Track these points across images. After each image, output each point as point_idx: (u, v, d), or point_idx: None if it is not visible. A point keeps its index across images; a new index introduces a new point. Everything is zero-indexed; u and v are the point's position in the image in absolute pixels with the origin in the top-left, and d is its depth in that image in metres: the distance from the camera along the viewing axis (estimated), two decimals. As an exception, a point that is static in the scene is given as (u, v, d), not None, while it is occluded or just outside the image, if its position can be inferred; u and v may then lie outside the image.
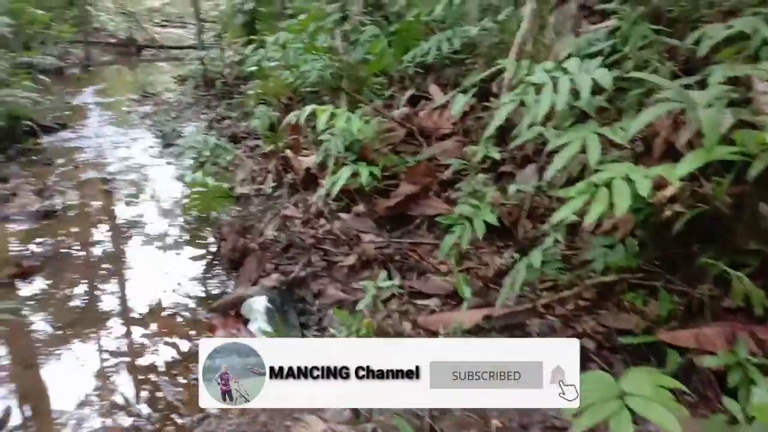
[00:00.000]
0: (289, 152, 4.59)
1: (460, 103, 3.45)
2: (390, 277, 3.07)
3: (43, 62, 9.92)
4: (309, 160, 4.30)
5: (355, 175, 3.43)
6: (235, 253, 3.50)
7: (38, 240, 4.07)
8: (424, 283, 3.05)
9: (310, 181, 4.25)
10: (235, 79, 7.89)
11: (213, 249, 3.93)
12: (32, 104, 6.04)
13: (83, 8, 14.68)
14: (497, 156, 3.18)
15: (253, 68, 5.31)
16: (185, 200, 4.42)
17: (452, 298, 2.94)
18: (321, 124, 3.31)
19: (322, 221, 3.62)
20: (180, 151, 4.79)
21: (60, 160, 5.91)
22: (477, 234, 2.74)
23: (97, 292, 3.46)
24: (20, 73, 7.77)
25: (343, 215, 3.70)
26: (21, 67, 8.41)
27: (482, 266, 3.08)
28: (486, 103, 3.75)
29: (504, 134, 3.46)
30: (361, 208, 3.66)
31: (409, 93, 4.92)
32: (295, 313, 3.05)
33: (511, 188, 3.02)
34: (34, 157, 5.86)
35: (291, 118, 3.57)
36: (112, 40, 14.77)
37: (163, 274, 3.63)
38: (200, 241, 4.11)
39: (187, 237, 4.19)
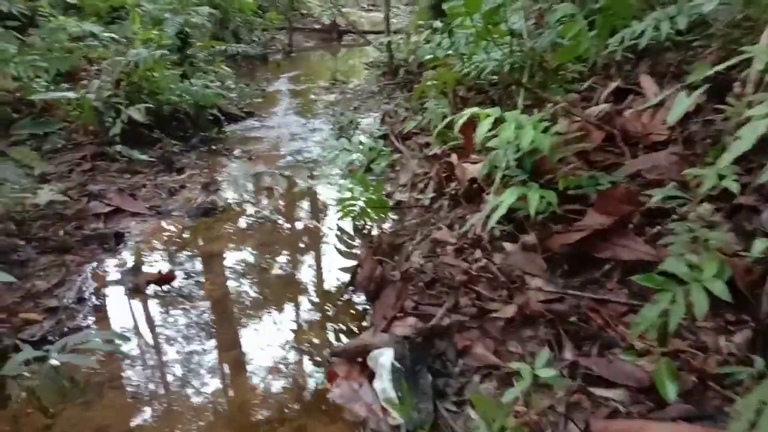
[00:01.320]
0: (454, 156, 3.89)
1: (684, 103, 2.47)
2: (557, 352, 2.25)
3: (250, 50, 10.43)
4: (474, 169, 3.55)
5: (523, 198, 2.63)
6: (371, 283, 2.93)
7: (189, 240, 3.93)
8: (607, 365, 2.17)
9: (474, 195, 3.51)
10: (418, 67, 7.34)
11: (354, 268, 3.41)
12: (219, 92, 6.11)
13: (293, -5, 15.39)
14: (735, 189, 2.15)
15: (429, 56, 4.68)
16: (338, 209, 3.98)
17: (647, 395, 2.04)
18: (481, 134, 2.56)
19: (478, 253, 2.87)
20: (333, 155, 4.37)
21: (237, 151, 5.90)
22: (695, 311, 1.84)
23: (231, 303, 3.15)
24: (218, 61, 8.11)
25: (507, 245, 2.92)
26: (222, 55, 8.83)
27: (699, 351, 2.11)
28: (720, 105, 2.66)
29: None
30: (530, 238, 2.84)
31: (613, 85, 3.89)
32: (429, 376, 2.38)
33: (757, 244, 2.00)
34: (213, 147, 5.93)
35: (457, 119, 2.87)
36: (317, 26, 15.24)
37: (295, 297, 3.20)
38: (346, 258, 3.62)
39: (332, 252, 3.73)
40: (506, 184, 2.92)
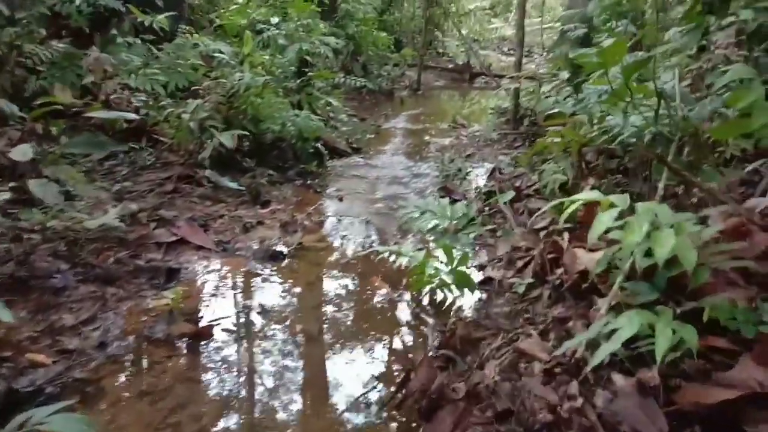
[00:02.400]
0: (565, 237, 3.13)
1: None
2: None
3: (371, 85, 10.17)
4: (588, 259, 2.78)
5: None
6: (425, 397, 2.25)
7: (242, 288, 3.49)
8: None
9: (583, 292, 2.74)
10: (546, 118, 6.58)
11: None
12: (323, 125, 5.76)
13: (431, 32, 15.19)
14: None
15: (552, 110, 3.97)
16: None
17: None
18: (598, 229, 1.84)
19: (574, 387, 2.10)
20: (416, 215, 3.75)
21: (331, 189, 5.49)
22: None
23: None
24: (336, 93, 7.86)
25: (617, 378, 2.12)
26: (345, 87, 8.61)
27: None
28: None
29: None
30: (651, 377, 2.03)
31: (791, 174, 2.98)
32: None
33: None
34: (308, 182, 5.56)
35: (567, 204, 2.18)
36: (449, 66, 14.89)
37: (317, 405, 2.60)
38: (406, 348, 2.98)
39: (392, 334, 3.10)
40: (627, 298, 2.14)
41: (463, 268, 3.18)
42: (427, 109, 10.53)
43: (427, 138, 8.01)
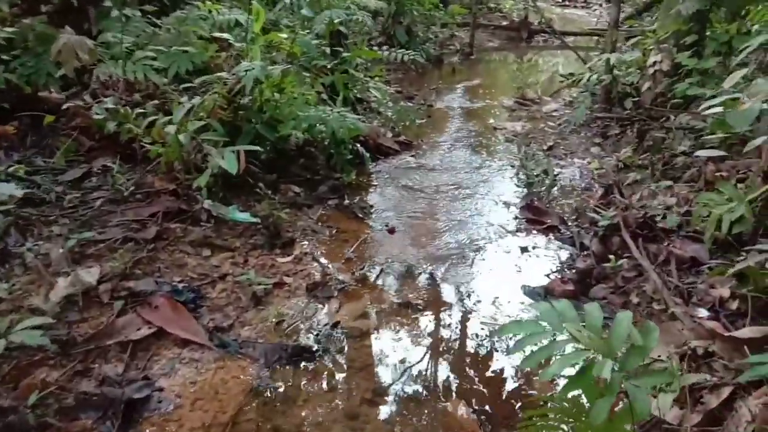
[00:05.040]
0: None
1: None
2: None
3: (419, 57, 8.56)
4: None
5: None
6: None
7: (244, 427, 2.18)
8: None
9: None
10: (658, 103, 4.96)
11: None
12: (360, 123, 4.31)
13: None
14: None
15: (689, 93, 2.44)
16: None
17: None
18: None
19: None
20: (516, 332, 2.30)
21: (375, 212, 4.09)
22: None
23: None
24: (377, 69, 6.38)
25: None
26: (386, 59, 7.07)
27: None
28: None
29: None
30: None
31: None
32: None
33: None
34: (346, 201, 4.17)
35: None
36: (504, 23, 13.04)
37: None
38: None
39: None
40: None
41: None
42: (485, 79, 8.91)
43: (491, 121, 6.46)
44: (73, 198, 3.48)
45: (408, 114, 5.91)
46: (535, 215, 3.90)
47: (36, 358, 2.30)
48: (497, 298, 3.04)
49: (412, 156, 5.24)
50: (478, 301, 3.03)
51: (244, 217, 3.58)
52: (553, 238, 3.67)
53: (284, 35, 4.38)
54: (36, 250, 2.93)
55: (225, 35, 4.25)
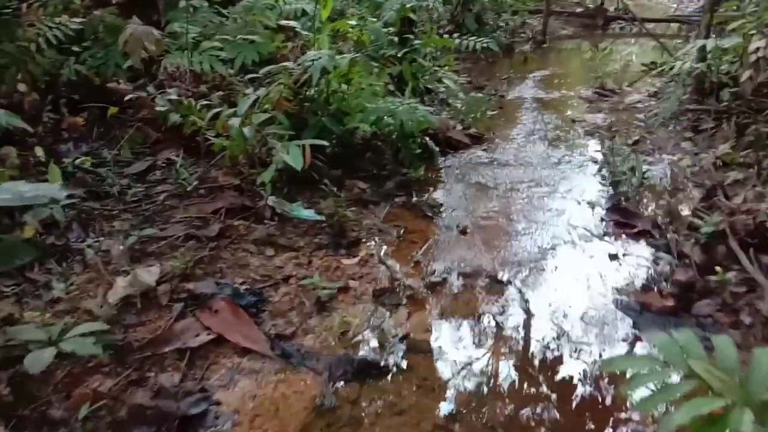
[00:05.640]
0: None
1: None
2: None
3: (491, 44, 8.20)
4: None
5: None
6: None
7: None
8: None
9: None
10: (757, 92, 4.45)
11: None
12: (430, 116, 4.04)
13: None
14: None
15: None
16: None
17: None
18: None
19: None
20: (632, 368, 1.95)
21: (446, 211, 3.82)
22: None
23: None
24: (447, 57, 6.08)
25: None
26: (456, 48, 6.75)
27: None
28: None
29: None
30: None
31: None
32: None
33: None
34: (414, 199, 3.92)
35: None
36: (579, 10, 12.40)
37: None
38: None
39: None
40: None
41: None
42: (559, 68, 8.43)
43: (569, 113, 6.05)
44: (136, 192, 3.40)
45: (479, 105, 5.59)
46: (623, 218, 3.54)
47: (90, 365, 2.18)
48: (586, 313, 2.73)
49: (483, 150, 4.93)
50: (565, 316, 2.72)
51: (309, 214, 3.40)
52: (645, 244, 3.30)
53: (353, 22, 4.16)
54: (96, 247, 2.85)
55: (292, 23, 4.06)
